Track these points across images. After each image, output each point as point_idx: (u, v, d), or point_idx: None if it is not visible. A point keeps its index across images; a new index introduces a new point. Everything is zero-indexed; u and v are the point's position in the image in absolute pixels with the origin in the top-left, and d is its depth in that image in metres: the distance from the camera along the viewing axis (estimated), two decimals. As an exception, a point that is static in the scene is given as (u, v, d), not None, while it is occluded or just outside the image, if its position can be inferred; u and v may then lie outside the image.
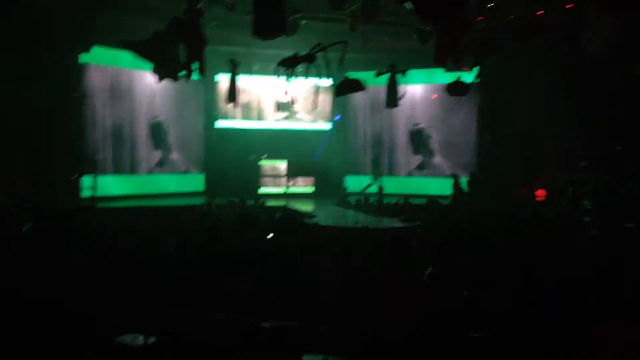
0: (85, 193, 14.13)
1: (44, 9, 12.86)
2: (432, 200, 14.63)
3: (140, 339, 4.56)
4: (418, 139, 19.57)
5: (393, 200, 15.42)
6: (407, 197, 15.35)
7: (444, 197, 15.58)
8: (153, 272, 6.64)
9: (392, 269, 4.80)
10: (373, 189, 17.68)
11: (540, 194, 16.43)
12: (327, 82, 10.08)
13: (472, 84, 11.71)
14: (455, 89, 12.32)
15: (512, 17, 12.26)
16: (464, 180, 16.22)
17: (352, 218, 13.03)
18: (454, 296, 4.69)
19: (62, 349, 4.90)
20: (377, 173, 18.78)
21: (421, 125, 19.49)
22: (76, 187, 14.39)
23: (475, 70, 11.55)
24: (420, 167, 19.45)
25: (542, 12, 12.51)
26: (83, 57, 15.26)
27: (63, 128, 14.31)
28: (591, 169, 14.25)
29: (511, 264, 5.09)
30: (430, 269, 4.86)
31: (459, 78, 12.28)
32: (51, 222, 10.12)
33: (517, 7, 12.50)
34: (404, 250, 4.81)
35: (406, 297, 4.64)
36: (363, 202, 15.58)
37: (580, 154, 14.88)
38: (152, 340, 4.58)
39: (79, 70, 15.30)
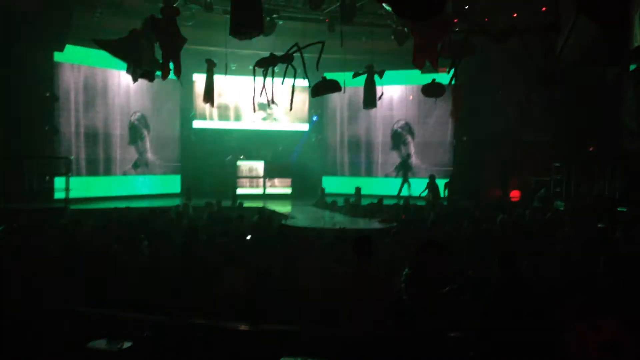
0: (58, 195, 13.86)
1: (18, 7, 12.63)
2: (408, 201, 14.70)
3: (116, 344, 4.49)
4: (397, 140, 19.67)
5: (372, 201, 15.44)
6: (383, 198, 15.40)
7: (420, 198, 15.68)
8: (127, 275, 6.55)
9: (360, 270, 4.80)
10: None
11: (515, 195, 16.67)
12: (304, 82, 10.03)
13: (447, 85, 11.78)
14: (430, 90, 12.39)
15: (487, 19, 12.41)
16: (440, 182, 16.34)
17: (330, 219, 13.00)
18: (433, 296, 4.70)
19: (35, 352, 4.80)
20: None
21: (399, 126, 19.59)
22: (49, 189, 14.12)
23: (451, 72, 11.64)
24: (397, 168, 19.52)
25: (516, 15, 12.69)
26: (57, 56, 15.00)
27: (35, 128, 14.04)
28: (564, 170, 14.49)
29: (487, 265, 5.12)
30: (407, 269, 4.87)
31: (434, 79, 12.37)
32: (24, 224, 9.93)
33: (493, 10, 12.66)
34: (368, 250, 4.82)
35: (375, 297, 4.65)
36: (341, 204, 15.57)
37: (553, 156, 15.13)
38: (128, 344, 4.50)
39: (53, 70, 15.04)
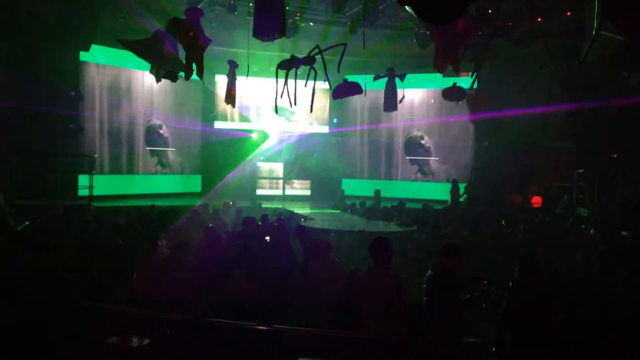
0: (82, 192, 14.07)
1: (48, 8, 12.88)
2: (427, 205, 14.63)
3: (135, 340, 4.54)
4: (416, 144, 19.58)
5: (390, 205, 15.41)
6: (403, 201, 15.35)
7: (441, 202, 15.60)
8: (149, 272, 6.62)
9: (377, 271, 4.80)
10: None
11: (536, 201, 16.47)
12: (325, 84, 10.04)
13: (469, 89, 11.69)
14: (451, 93, 12.32)
15: (510, 23, 12.29)
16: (462, 186, 16.25)
17: (349, 221, 13.00)
18: (453, 301, 4.67)
19: (57, 348, 4.88)
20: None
21: (418, 131, 19.52)
22: (73, 186, 14.33)
23: (473, 76, 11.56)
24: (418, 172, 19.44)
25: (540, 19, 12.56)
26: (82, 56, 15.25)
27: (60, 126, 14.27)
28: (587, 176, 14.27)
29: (508, 271, 5.08)
30: (429, 271, 4.84)
31: (455, 83, 12.30)
32: (47, 221, 10.10)
33: (517, 15, 12.54)
34: (385, 252, 4.81)
35: (393, 299, 4.64)
36: (360, 206, 15.57)
37: (576, 162, 14.91)
38: (146, 341, 4.56)
39: (78, 69, 15.28)
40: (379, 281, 4.73)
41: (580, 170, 14.57)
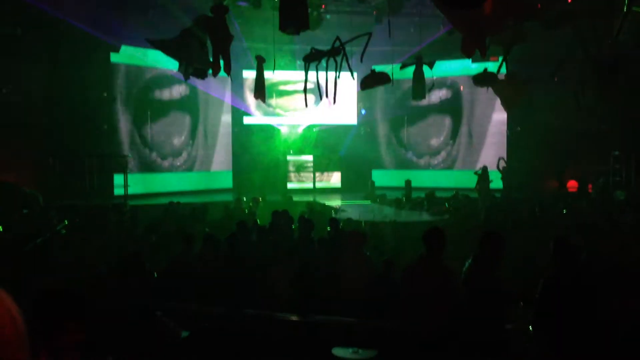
0: (117, 191, 14.38)
1: (80, 12, 13.13)
2: (459, 193, 14.48)
3: (173, 333, 4.64)
4: (446, 132, 19.40)
5: (422, 194, 15.32)
6: (434, 190, 15.23)
7: (472, 190, 15.41)
8: (184, 268, 6.74)
9: (426, 262, 4.73)
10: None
11: (572, 185, 16.15)
12: (353, 76, 10.00)
13: (499, 74, 11.48)
14: (482, 79, 12.12)
15: (539, 5, 11.99)
16: (494, 173, 16.02)
17: (380, 212, 12.99)
18: (492, 290, 4.62)
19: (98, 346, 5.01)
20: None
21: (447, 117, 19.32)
22: (109, 186, 14.65)
23: (500, 60, 11.34)
24: (448, 160, 19.27)
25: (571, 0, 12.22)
26: (113, 57, 15.54)
27: (94, 127, 14.58)
28: (624, 158, 13.92)
29: (546, 256, 4.99)
30: (469, 261, 4.78)
31: (486, 69, 12.09)
32: (85, 220, 10.36)
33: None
34: (438, 242, 4.72)
35: (439, 290, 4.60)
36: (391, 197, 15.53)
37: (610, 145, 14.56)
38: (186, 334, 4.65)
39: (109, 70, 15.58)
40: (432, 271, 4.68)
41: (616, 153, 14.22)
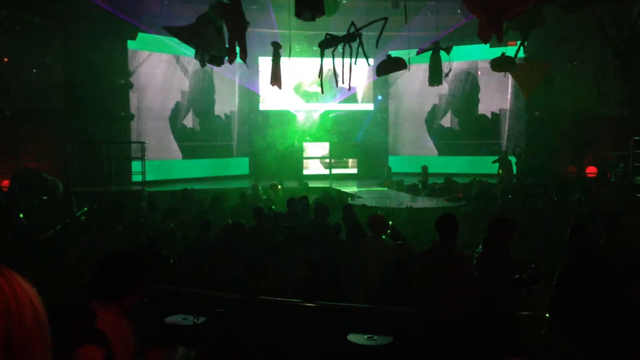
0: (135, 178, 14.51)
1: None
2: (476, 179, 14.39)
3: (190, 319, 4.70)
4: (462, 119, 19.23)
5: (439, 181, 15.24)
6: (451, 176, 15.14)
7: (490, 176, 15.31)
8: (200, 254, 6.82)
9: (439, 248, 4.73)
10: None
11: (591, 170, 15.94)
12: (369, 61, 9.94)
13: (515, 58, 11.31)
14: (500, 64, 11.95)
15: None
16: (512, 159, 15.90)
17: (396, 198, 12.95)
18: (504, 276, 4.60)
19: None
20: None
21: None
22: (127, 173, 14.77)
23: (517, 44, 11.14)
24: (466, 146, 19.12)
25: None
26: (130, 45, 15.60)
27: (112, 115, 14.69)
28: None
29: (563, 244, 4.96)
30: (480, 247, 4.78)
31: (503, 53, 11.93)
32: (104, 206, 10.50)
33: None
34: (451, 228, 4.71)
35: (452, 276, 4.60)
36: (408, 183, 15.47)
37: (630, 130, 14.30)
38: (201, 320, 4.71)
39: (127, 58, 15.65)
40: (446, 257, 4.68)
41: (637, 138, 13.97)
